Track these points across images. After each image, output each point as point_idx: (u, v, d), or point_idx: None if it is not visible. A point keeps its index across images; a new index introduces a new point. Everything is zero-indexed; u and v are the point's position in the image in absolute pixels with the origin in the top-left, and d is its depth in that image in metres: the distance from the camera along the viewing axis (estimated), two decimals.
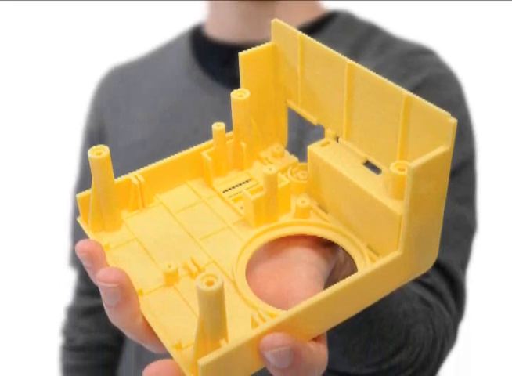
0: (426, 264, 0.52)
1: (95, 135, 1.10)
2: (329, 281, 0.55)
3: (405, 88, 0.48)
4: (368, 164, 0.54)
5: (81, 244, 0.50)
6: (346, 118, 0.55)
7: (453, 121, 0.45)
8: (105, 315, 0.50)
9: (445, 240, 0.66)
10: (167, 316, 0.48)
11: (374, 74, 0.51)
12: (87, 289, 1.15)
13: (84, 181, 1.10)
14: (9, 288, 1.97)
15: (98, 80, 1.15)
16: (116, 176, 0.56)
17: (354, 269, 0.51)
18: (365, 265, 0.51)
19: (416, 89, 0.87)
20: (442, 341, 0.80)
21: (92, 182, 0.54)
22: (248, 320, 0.45)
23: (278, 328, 0.43)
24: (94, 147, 0.54)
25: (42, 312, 1.85)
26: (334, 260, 0.56)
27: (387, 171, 0.52)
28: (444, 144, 0.46)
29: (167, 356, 0.45)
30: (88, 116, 1.14)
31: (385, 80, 0.50)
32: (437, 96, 0.88)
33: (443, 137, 0.46)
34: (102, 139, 1.08)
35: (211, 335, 0.42)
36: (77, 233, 1.10)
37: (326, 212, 0.56)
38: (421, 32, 1.33)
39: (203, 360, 0.40)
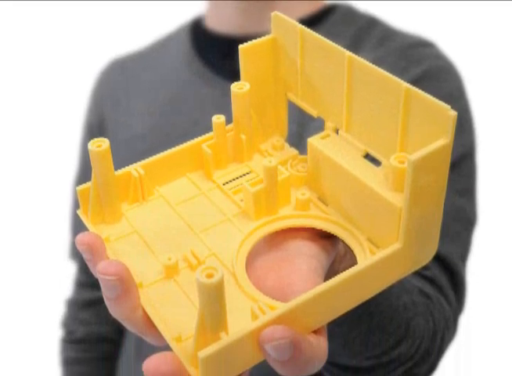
0: (426, 256, 0.52)
1: (95, 127, 1.10)
2: (329, 273, 0.54)
3: (405, 81, 0.48)
4: (368, 156, 0.54)
5: (81, 236, 0.50)
6: (346, 111, 0.55)
7: (453, 113, 0.45)
8: (105, 307, 0.50)
9: (445, 233, 0.66)
10: (167, 309, 0.48)
11: (374, 66, 0.51)
12: (87, 281, 1.15)
13: (84, 173, 1.10)
14: (9, 281, 1.97)
15: (98, 72, 1.15)
16: (116, 169, 0.56)
17: (354, 262, 0.51)
18: (365, 258, 0.51)
19: (416, 82, 0.87)
20: (442, 333, 0.80)
21: (92, 175, 0.54)
22: (248, 313, 0.45)
23: (278, 321, 0.43)
24: (94, 140, 0.54)
25: (42, 305, 1.85)
26: (334, 252, 0.56)
27: (387, 164, 0.52)
28: (444, 136, 0.46)
29: (167, 348, 0.45)
30: (88, 109, 1.14)
31: (385, 72, 0.50)
32: (437, 89, 0.88)
33: (443, 129, 0.46)
34: (102, 132, 1.08)
35: (211, 328, 0.42)
36: (77, 226, 1.10)
37: (326, 205, 0.56)
38: (421, 25, 1.32)
39: (203, 353, 0.40)
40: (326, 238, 0.55)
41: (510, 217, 1.89)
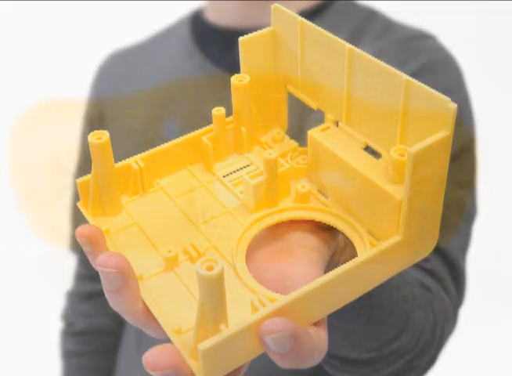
0: (426, 249, 0.52)
1: (95, 119, 1.10)
2: (330, 266, 0.55)
3: (405, 73, 0.48)
4: (368, 148, 0.54)
5: (81, 228, 0.50)
6: (346, 103, 0.55)
7: (453, 105, 0.45)
8: (105, 300, 0.50)
9: (445, 225, 0.66)
10: (167, 301, 0.48)
11: (374, 58, 0.51)
12: (87, 274, 1.15)
13: (85, 166, 1.09)
14: (10, 273, 1.97)
15: (98, 65, 1.15)
16: (116, 160, 0.56)
17: (354, 254, 0.51)
18: (365, 250, 0.51)
19: (415, 74, 0.86)
20: (442, 326, 0.80)
21: (92, 167, 0.54)
22: (248, 305, 0.45)
23: (278, 313, 0.43)
24: (94, 132, 0.54)
25: (43, 297, 1.85)
26: (334, 245, 0.56)
27: (387, 156, 0.52)
28: (444, 129, 0.46)
29: (168, 340, 0.45)
30: (88, 100, 1.13)
31: (385, 64, 0.50)
32: (437, 81, 0.87)
33: (443, 122, 0.46)
34: (103, 124, 1.07)
35: (211, 320, 0.42)
36: (77, 218, 1.10)
37: (327, 197, 0.56)
38: (421, 17, 1.32)
39: (204, 345, 0.41)
40: (326, 230, 0.55)
41: (510, 209, 1.90)
